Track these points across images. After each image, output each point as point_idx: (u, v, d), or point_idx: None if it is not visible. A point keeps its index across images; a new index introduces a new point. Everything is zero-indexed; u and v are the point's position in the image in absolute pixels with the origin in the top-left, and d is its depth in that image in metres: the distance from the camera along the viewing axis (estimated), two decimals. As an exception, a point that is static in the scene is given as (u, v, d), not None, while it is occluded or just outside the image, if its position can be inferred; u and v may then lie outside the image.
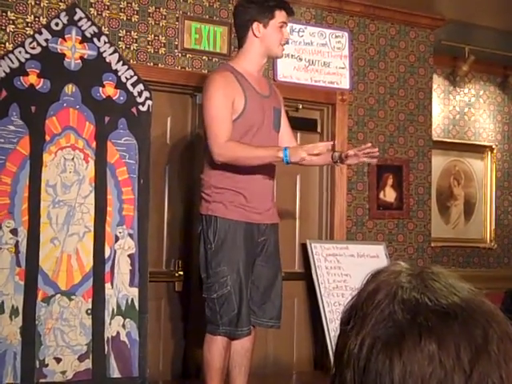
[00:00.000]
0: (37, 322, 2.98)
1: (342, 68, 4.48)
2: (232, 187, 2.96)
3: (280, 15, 3.02)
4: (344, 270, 4.14)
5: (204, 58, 4.04)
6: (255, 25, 3.00)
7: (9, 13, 3.52)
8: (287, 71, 4.28)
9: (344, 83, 4.48)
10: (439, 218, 5.63)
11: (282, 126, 3.22)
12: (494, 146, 5.97)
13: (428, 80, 4.87)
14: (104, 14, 3.76)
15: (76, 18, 3.21)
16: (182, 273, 3.97)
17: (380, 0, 4.50)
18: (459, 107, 5.84)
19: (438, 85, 5.63)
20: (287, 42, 3.14)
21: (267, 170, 3.04)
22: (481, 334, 0.69)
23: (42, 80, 3.10)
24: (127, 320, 3.18)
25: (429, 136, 4.87)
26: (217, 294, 2.93)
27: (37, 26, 3.50)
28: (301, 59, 4.32)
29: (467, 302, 0.71)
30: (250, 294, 3.01)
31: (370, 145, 3.04)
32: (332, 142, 3.13)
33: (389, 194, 4.70)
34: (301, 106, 4.32)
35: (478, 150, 5.91)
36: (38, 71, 3.09)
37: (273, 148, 2.92)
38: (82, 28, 3.22)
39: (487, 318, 0.71)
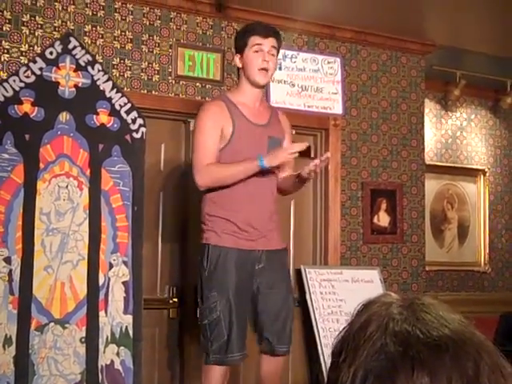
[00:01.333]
0: (30, 351, 2.95)
1: (335, 93, 4.52)
2: (223, 215, 3.00)
3: (253, 40, 3.03)
4: (339, 295, 4.13)
5: (197, 84, 4.07)
6: (236, 57, 3.11)
7: (3, 42, 3.55)
8: (280, 97, 4.32)
9: (337, 108, 4.52)
10: (433, 241, 5.64)
11: None
12: (486, 170, 6.00)
13: (420, 104, 4.91)
14: (98, 43, 3.80)
15: (70, 46, 3.23)
16: (176, 300, 3.96)
17: (371, 26, 4.56)
18: (451, 131, 5.88)
19: (430, 109, 5.68)
20: (267, 67, 3.03)
21: (261, 197, 3.05)
22: (472, 366, 0.69)
23: (36, 108, 3.11)
24: (121, 348, 3.16)
25: (422, 160, 4.90)
26: (207, 319, 2.95)
27: (31, 54, 3.53)
28: (293, 85, 4.36)
29: (458, 334, 0.71)
30: (264, 324, 3.02)
31: (317, 161, 2.95)
32: (307, 144, 3.06)
33: (383, 219, 4.71)
34: (294, 132, 4.33)
35: (471, 173, 5.94)
36: (32, 99, 3.10)
37: (249, 161, 2.93)
38: (76, 56, 3.23)
39: (478, 349, 0.71)
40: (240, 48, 3.07)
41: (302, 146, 2.93)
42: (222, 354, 2.92)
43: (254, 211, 3.01)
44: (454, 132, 5.90)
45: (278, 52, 3.12)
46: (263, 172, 3.00)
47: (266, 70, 3.02)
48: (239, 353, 2.94)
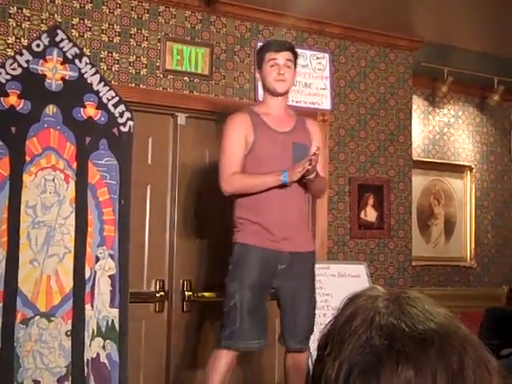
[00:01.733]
0: (15, 344, 2.95)
1: (323, 89, 4.52)
2: (250, 218, 3.18)
3: (268, 55, 3.26)
4: (325, 289, 4.14)
5: (185, 78, 4.07)
6: (258, 73, 3.36)
7: (-10, 34, 3.53)
8: (268, 92, 4.32)
9: (325, 104, 4.53)
10: (420, 237, 5.67)
11: None
12: (473, 166, 6.04)
13: (408, 101, 4.93)
14: (86, 36, 3.78)
15: (57, 39, 3.21)
16: (162, 293, 3.97)
17: (360, 22, 4.57)
18: (439, 127, 5.91)
19: (418, 105, 5.70)
20: (283, 78, 3.23)
21: (287, 200, 3.18)
22: (456, 360, 0.69)
23: (22, 101, 3.10)
24: (107, 341, 3.16)
25: (409, 156, 4.93)
26: (226, 307, 3.12)
27: (18, 47, 3.52)
28: (282, 80, 4.36)
29: (443, 328, 0.72)
30: (287, 322, 3.20)
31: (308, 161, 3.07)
32: (316, 148, 3.13)
33: (370, 214, 4.73)
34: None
35: (458, 169, 5.98)
36: (18, 92, 3.09)
37: (274, 172, 3.12)
38: (64, 49, 3.22)
39: (463, 343, 0.71)
40: (259, 64, 3.32)
41: (313, 157, 3.03)
42: (232, 339, 3.08)
43: (279, 214, 3.17)
44: (442, 128, 5.93)
45: (295, 64, 3.32)
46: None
47: (283, 80, 3.25)
48: (249, 341, 3.10)
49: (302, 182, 3.20)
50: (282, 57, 3.25)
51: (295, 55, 3.32)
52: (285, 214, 3.18)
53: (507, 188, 6.23)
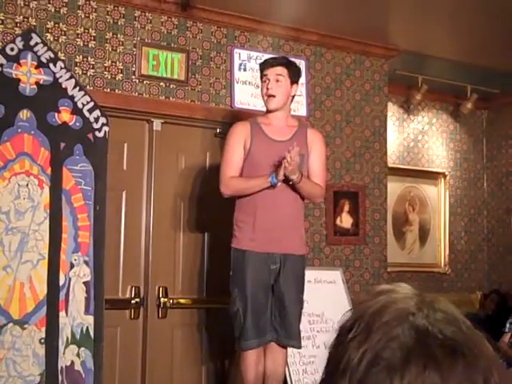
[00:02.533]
0: (-13, 353, 2.90)
1: (299, 95, 4.53)
2: (244, 220, 3.33)
3: (262, 72, 3.41)
4: (301, 295, 4.14)
5: (161, 84, 4.05)
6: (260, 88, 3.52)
7: (-37, 37, 3.48)
8: (244, 98, 4.32)
9: (301, 110, 4.54)
10: (395, 243, 5.71)
11: (310, 168, 3.45)
12: (446, 173, 6.10)
13: (383, 108, 4.97)
14: (61, 40, 3.75)
15: (32, 43, 3.18)
16: (138, 300, 3.93)
17: (336, 30, 4.59)
18: (413, 134, 5.97)
19: (393, 112, 5.75)
20: (270, 94, 3.35)
21: (280, 203, 3.31)
22: (481, 380, 0.69)
23: (-4, 105, 3.06)
24: (82, 349, 3.12)
25: (384, 163, 4.96)
26: (231, 312, 3.31)
27: (-9, 50, 3.47)
28: (258, 86, 4.34)
29: (475, 344, 0.71)
30: (274, 317, 3.34)
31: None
32: (297, 148, 3.20)
33: (345, 220, 4.75)
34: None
35: (432, 176, 6.04)
36: (-8, 96, 3.05)
37: (264, 175, 3.27)
38: (38, 53, 3.19)
39: (490, 364, 0.71)
40: (260, 80, 3.47)
41: (294, 152, 3.12)
42: (239, 340, 3.29)
43: (272, 217, 3.31)
44: (416, 135, 5.99)
45: (290, 78, 3.38)
46: (284, 180, 3.26)
47: (272, 96, 3.35)
48: (253, 340, 3.27)
49: (293, 185, 3.31)
50: (272, 72, 3.37)
51: (288, 68, 3.39)
52: (276, 216, 3.32)
53: (480, 195, 6.31)
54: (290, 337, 3.36)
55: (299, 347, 3.48)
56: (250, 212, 3.32)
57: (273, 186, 3.26)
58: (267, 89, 3.34)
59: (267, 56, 4.38)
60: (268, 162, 3.31)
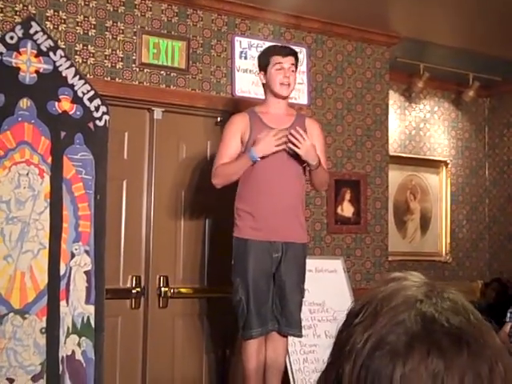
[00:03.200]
0: (-11, 342, 2.90)
1: (300, 83, 4.51)
2: (245, 208, 3.33)
3: (274, 59, 3.40)
4: (302, 284, 4.14)
5: (162, 72, 4.03)
6: (261, 74, 3.46)
7: (-38, 25, 3.46)
8: (245, 86, 4.30)
9: (302, 98, 4.52)
10: (396, 232, 5.70)
11: None
12: (448, 161, 6.08)
13: (384, 96, 4.94)
14: (60, 28, 3.72)
15: (31, 31, 3.15)
16: (139, 289, 3.93)
17: (337, 17, 4.56)
18: (415, 123, 5.94)
19: (395, 101, 5.72)
20: (288, 82, 3.38)
21: (282, 191, 3.32)
22: (486, 370, 0.69)
23: (-5, 94, 3.04)
24: (83, 338, 3.12)
25: (385, 151, 4.94)
26: (234, 301, 3.33)
27: (-9, 39, 3.44)
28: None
29: (482, 334, 0.71)
30: (275, 306, 3.36)
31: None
32: (286, 127, 3.33)
33: (346, 209, 4.74)
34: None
35: (433, 164, 6.02)
36: (-9, 85, 3.03)
37: (244, 156, 3.29)
38: (38, 41, 3.16)
39: (496, 355, 0.70)
40: (263, 66, 3.43)
41: (283, 131, 3.25)
42: (244, 329, 3.31)
43: (272, 205, 3.31)
44: (418, 124, 5.96)
45: (296, 68, 3.48)
46: (287, 167, 3.33)
47: (287, 84, 3.39)
48: (258, 329, 3.29)
49: (299, 173, 3.38)
50: (288, 61, 3.40)
51: (298, 60, 3.51)
52: (278, 205, 3.32)
53: (482, 183, 6.29)
54: (290, 325, 3.38)
55: (300, 336, 3.49)
56: (250, 201, 3.33)
57: (254, 162, 3.26)
58: (285, 77, 3.36)
59: (268, 44, 4.36)
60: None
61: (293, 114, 3.50)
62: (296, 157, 3.34)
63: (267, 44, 4.37)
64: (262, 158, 3.27)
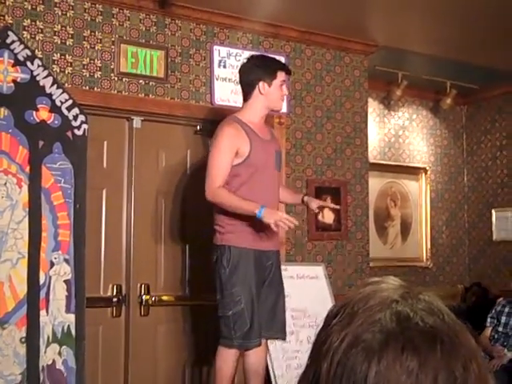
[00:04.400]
0: (-33, 353, 2.88)
1: (279, 92, 4.54)
2: (243, 219, 3.30)
3: (281, 75, 3.45)
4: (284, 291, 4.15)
5: (141, 81, 4.04)
6: (261, 84, 3.42)
7: None
8: (224, 95, 4.32)
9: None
10: (377, 238, 5.74)
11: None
12: (427, 168, 6.14)
13: (364, 104, 4.99)
14: (38, 38, 3.73)
15: (8, 40, 3.16)
16: (120, 297, 3.92)
17: (315, 26, 4.60)
18: (394, 130, 6.00)
19: (374, 108, 5.78)
20: (284, 98, 3.57)
21: (271, 204, 3.37)
22: (460, 369, 0.70)
23: (-28, 103, 3.04)
24: (63, 347, 3.11)
25: (365, 158, 4.98)
26: (232, 311, 3.27)
27: (-32, 49, 3.44)
28: (238, 83, 4.35)
29: (456, 334, 0.73)
30: (267, 313, 3.40)
31: (332, 205, 3.76)
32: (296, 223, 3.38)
33: (327, 216, 4.73)
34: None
35: (413, 171, 6.07)
36: (-32, 94, 3.03)
37: (252, 204, 3.25)
38: (15, 51, 3.17)
39: (470, 355, 0.72)
40: (268, 78, 3.42)
41: (295, 222, 3.29)
42: (245, 339, 3.28)
43: None
44: (397, 131, 6.02)
45: None
46: (275, 179, 3.47)
47: (283, 100, 3.57)
48: (257, 339, 3.32)
49: (278, 186, 3.55)
50: (287, 78, 3.58)
51: None
52: None
53: (461, 189, 6.36)
54: (281, 331, 3.46)
55: (285, 339, 3.55)
56: None
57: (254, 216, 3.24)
58: (285, 94, 3.49)
59: (248, 53, 4.40)
60: (263, 162, 3.40)
61: (266, 125, 3.61)
62: (278, 170, 3.53)
63: (246, 53, 4.41)
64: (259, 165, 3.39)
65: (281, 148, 3.70)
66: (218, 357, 3.35)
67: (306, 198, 3.70)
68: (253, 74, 3.44)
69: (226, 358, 3.32)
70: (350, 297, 0.78)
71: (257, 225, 3.31)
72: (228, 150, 3.33)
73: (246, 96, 3.48)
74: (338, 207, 3.83)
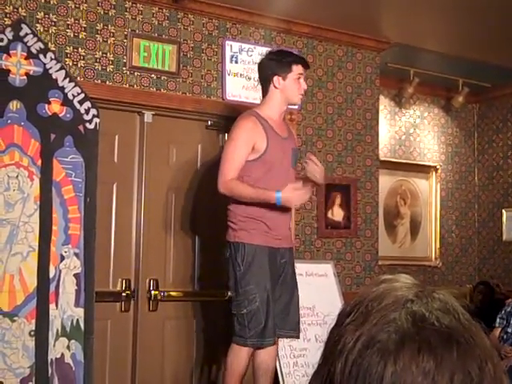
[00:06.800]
0: (-23, 345, 2.89)
1: (291, 88, 4.52)
2: (255, 216, 3.29)
3: (297, 69, 3.40)
4: (293, 288, 4.14)
5: (152, 75, 4.03)
6: (275, 78, 3.38)
7: (-49, 27, 3.45)
8: (236, 90, 4.30)
9: (293, 103, 4.52)
10: (386, 236, 5.72)
11: None
12: (438, 166, 6.11)
13: (375, 101, 4.96)
14: (51, 31, 3.72)
15: (22, 33, 3.15)
16: (128, 292, 3.92)
17: (327, 22, 4.58)
18: (405, 128, 5.97)
19: (385, 106, 5.75)
20: (305, 92, 3.52)
21: None
22: (476, 369, 0.69)
23: (-15, 96, 3.03)
24: (72, 341, 3.11)
25: (376, 156, 4.96)
26: (246, 309, 3.24)
27: (-19, 41, 3.43)
28: (249, 78, 4.35)
29: (471, 334, 0.71)
30: (281, 311, 3.37)
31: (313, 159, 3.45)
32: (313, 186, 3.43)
33: (337, 213, 4.75)
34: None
35: (423, 169, 6.05)
36: (-19, 87, 3.03)
37: (267, 192, 3.23)
38: (28, 44, 3.16)
39: (485, 356, 0.71)
40: (282, 71, 3.38)
41: (306, 196, 3.33)
42: (259, 338, 3.25)
43: (280, 215, 3.35)
44: (408, 129, 5.99)
45: None
46: (290, 176, 3.39)
47: (302, 94, 3.49)
48: (272, 338, 3.29)
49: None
50: (304, 72, 3.49)
51: None
52: (285, 215, 3.39)
53: (471, 188, 6.32)
54: (295, 329, 3.44)
55: (298, 337, 3.52)
56: (260, 207, 3.29)
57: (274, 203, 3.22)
58: (303, 88, 3.43)
59: (260, 49, 4.38)
60: (279, 160, 3.36)
61: (285, 122, 3.58)
62: (293, 166, 3.48)
63: (258, 48, 4.40)
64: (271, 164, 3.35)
65: (297, 144, 3.66)
66: (231, 353, 3.32)
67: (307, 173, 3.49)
68: (268, 69, 3.42)
69: (239, 355, 3.29)
70: (363, 295, 0.76)
71: (270, 222, 3.30)
72: (244, 143, 3.30)
73: (264, 91, 3.46)
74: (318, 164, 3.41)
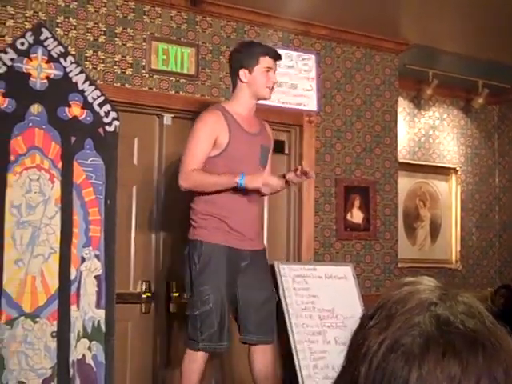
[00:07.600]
0: (0, 346, 2.91)
1: (309, 90, 4.52)
2: (216, 214, 3.18)
3: (264, 61, 3.26)
4: (312, 291, 4.13)
5: (171, 78, 4.05)
6: (241, 71, 3.26)
7: (-27, 32, 3.49)
8: (255, 93, 4.30)
9: (311, 105, 4.52)
10: (406, 239, 5.68)
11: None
12: (458, 168, 6.06)
13: (393, 103, 4.94)
14: (71, 34, 3.75)
15: (42, 37, 3.18)
16: (149, 294, 3.94)
17: (346, 24, 4.58)
18: (424, 130, 5.93)
19: (404, 107, 5.72)
20: (273, 86, 3.33)
21: (252, 202, 3.27)
22: (502, 373, 0.68)
23: (6, 100, 3.06)
24: (93, 342, 3.12)
25: (395, 158, 4.94)
26: (199, 310, 3.11)
27: (2, 45, 3.47)
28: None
29: (497, 338, 0.71)
30: (246, 316, 3.25)
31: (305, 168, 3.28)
32: (284, 181, 3.27)
33: (356, 215, 4.73)
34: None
35: (443, 171, 6.00)
36: (2, 91, 3.05)
37: (230, 174, 3.11)
38: (48, 48, 3.19)
39: (511, 359, 0.70)
40: (249, 64, 3.25)
41: (279, 182, 3.20)
42: (212, 342, 3.11)
43: (244, 214, 3.23)
44: (427, 131, 5.95)
45: None
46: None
47: (271, 88, 3.31)
48: (227, 342, 3.17)
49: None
50: (276, 66, 3.32)
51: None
52: (249, 214, 3.27)
53: (492, 190, 6.27)
54: (266, 333, 3.29)
55: (272, 342, 3.37)
56: (225, 207, 3.19)
57: (236, 187, 3.10)
58: (271, 80, 3.27)
59: (278, 51, 4.38)
60: (244, 156, 3.23)
61: (258, 118, 3.44)
62: (263, 166, 3.30)
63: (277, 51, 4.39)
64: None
65: (269, 143, 3.45)
66: (186, 358, 3.18)
67: (287, 176, 3.32)
68: (235, 62, 3.32)
69: (192, 362, 3.15)
70: (386, 298, 0.76)
71: (232, 221, 3.17)
72: (205, 137, 3.18)
73: (233, 85, 3.35)
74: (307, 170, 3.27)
